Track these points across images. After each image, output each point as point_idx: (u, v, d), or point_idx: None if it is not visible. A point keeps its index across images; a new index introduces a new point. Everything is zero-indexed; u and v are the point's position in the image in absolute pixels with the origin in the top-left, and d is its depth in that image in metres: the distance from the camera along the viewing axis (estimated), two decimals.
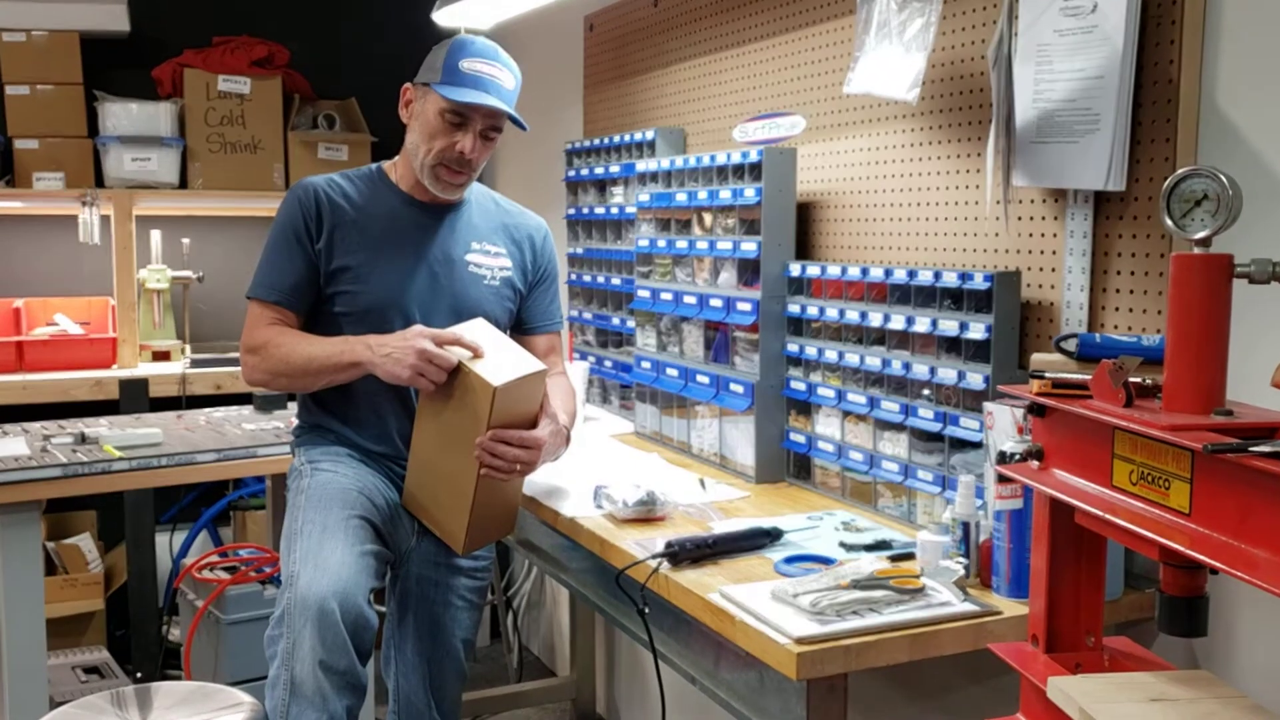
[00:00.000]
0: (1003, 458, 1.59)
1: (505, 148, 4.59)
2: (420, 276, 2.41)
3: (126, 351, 4.09)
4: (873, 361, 2.26)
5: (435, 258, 2.43)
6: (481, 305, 2.45)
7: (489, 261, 2.49)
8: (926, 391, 2.16)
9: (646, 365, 2.93)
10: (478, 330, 2.28)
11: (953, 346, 2.11)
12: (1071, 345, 1.63)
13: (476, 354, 2.19)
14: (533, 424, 2.25)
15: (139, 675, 3.94)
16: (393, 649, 2.53)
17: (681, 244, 2.81)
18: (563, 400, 2.43)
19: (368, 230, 2.40)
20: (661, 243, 2.90)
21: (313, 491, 2.29)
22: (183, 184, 4.29)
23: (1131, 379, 1.36)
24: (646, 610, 1.97)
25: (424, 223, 2.45)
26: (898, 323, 2.19)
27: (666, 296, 2.83)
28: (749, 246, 2.54)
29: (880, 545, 2.03)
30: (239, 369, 4.07)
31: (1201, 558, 1.19)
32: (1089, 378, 1.42)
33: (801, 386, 2.47)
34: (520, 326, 2.58)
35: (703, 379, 2.68)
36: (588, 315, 3.46)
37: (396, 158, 2.50)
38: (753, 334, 2.54)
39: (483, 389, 2.14)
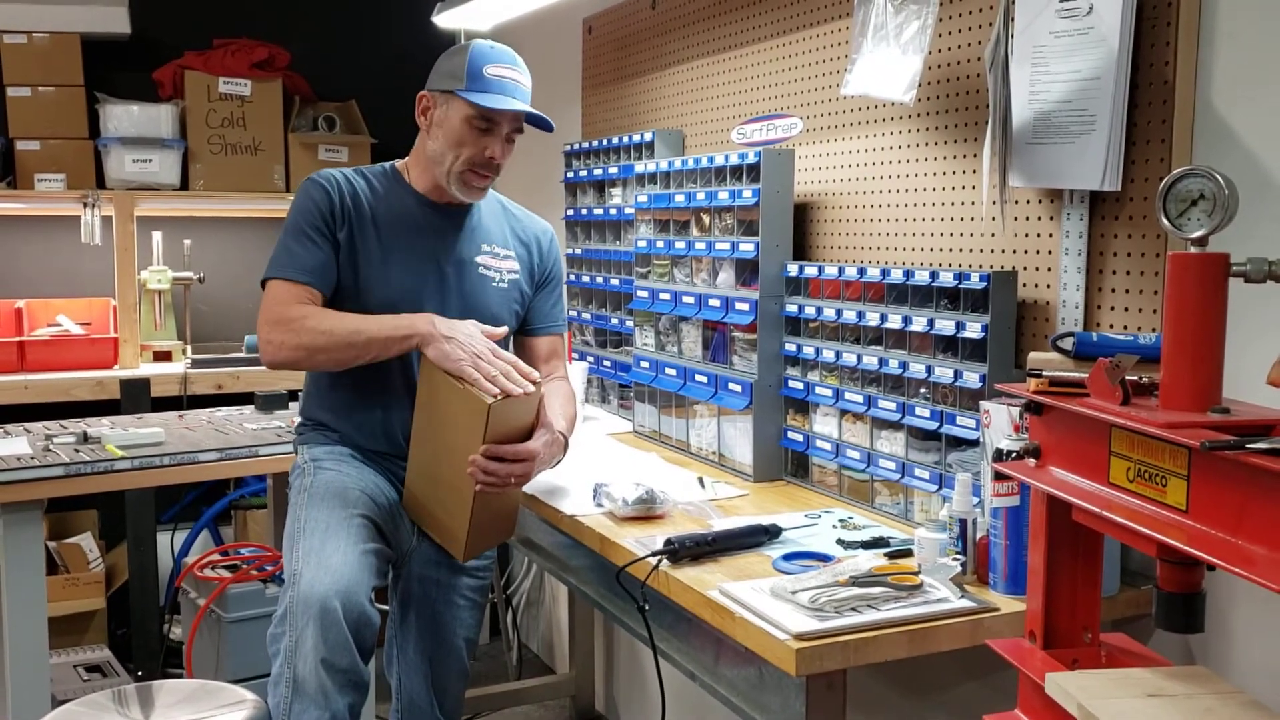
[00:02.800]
0: (1000, 455, 1.60)
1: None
2: (432, 277, 2.42)
3: (128, 352, 4.10)
4: (870, 361, 2.27)
5: (447, 259, 2.44)
6: (490, 307, 2.46)
7: (498, 264, 2.50)
8: (923, 390, 2.17)
9: (645, 365, 2.94)
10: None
11: (949, 346, 2.12)
12: (1068, 344, 1.63)
13: (533, 383, 2.20)
14: (528, 435, 2.25)
15: (140, 674, 3.95)
16: (395, 648, 2.53)
17: (680, 245, 2.82)
18: (562, 405, 2.43)
19: (383, 229, 2.41)
20: (660, 243, 2.91)
21: (315, 490, 2.30)
22: (184, 185, 4.30)
23: (1128, 377, 1.38)
24: (646, 607, 1.98)
25: (437, 224, 2.46)
26: (895, 322, 2.21)
27: (665, 297, 2.84)
28: (747, 247, 2.55)
29: (878, 542, 2.04)
30: (239, 369, 4.13)
31: (1199, 554, 1.20)
32: (1086, 376, 1.43)
33: (799, 385, 2.48)
34: (523, 328, 2.59)
35: (701, 378, 2.69)
36: (587, 315, 3.47)
37: (408, 158, 2.51)
38: (751, 334, 2.56)
39: (478, 405, 2.14)
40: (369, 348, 2.26)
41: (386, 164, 2.53)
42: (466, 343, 2.20)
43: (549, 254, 2.61)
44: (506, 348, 2.49)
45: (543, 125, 2.41)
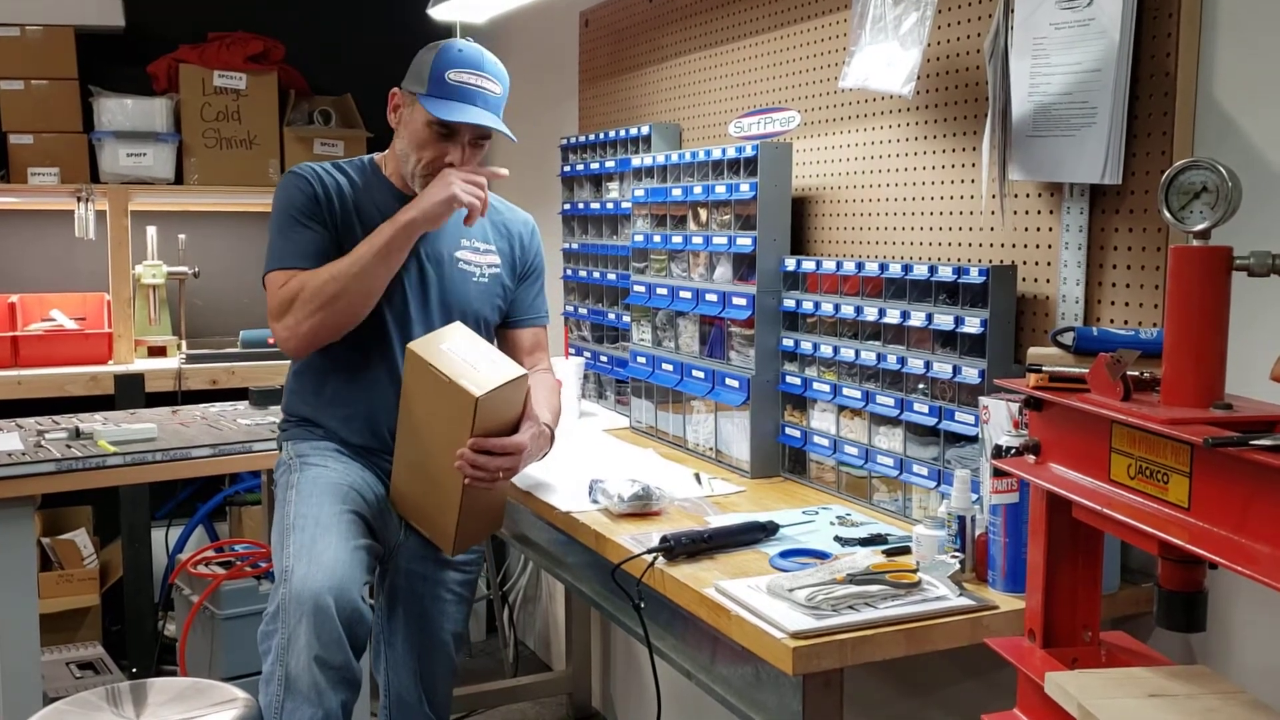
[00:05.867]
0: (999, 451, 1.58)
1: (500, 143, 4.57)
2: (411, 273, 2.40)
3: (122, 347, 4.09)
4: (868, 356, 2.25)
5: (426, 254, 2.43)
6: (471, 303, 2.45)
7: (478, 259, 2.49)
8: (922, 386, 2.15)
9: (642, 360, 2.92)
10: (457, 335, 2.26)
11: (948, 341, 2.10)
12: (1069, 339, 1.62)
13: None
14: (515, 428, 2.23)
15: (134, 671, 3.94)
16: (382, 644, 2.52)
17: (677, 239, 2.80)
18: (546, 397, 2.42)
19: (362, 223, 2.39)
20: (657, 238, 2.89)
21: (303, 486, 2.28)
22: (178, 179, 4.29)
23: (1129, 372, 1.36)
24: (642, 605, 1.96)
25: None
26: (893, 317, 2.19)
27: (662, 291, 2.83)
28: (744, 241, 2.54)
29: (876, 540, 2.03)
30: (234, 364, 4.12)
31: (1202, 553, 1.18)
32: (1086, 371, 1.42)
33: (797, 381, 2.46)
34: (505, 321, 2.57)
35: (698, 374, 2.68)
36: (583, 310, 3.45)
37: (386, 152, 2.49)
38: (748, 329, 2.54)
39: (464, 399, 2.12)
40: (375, 263, 2.25)
41: (364, 157, 2.51)
42: (442, 187, 2.27)
43: (530, 246, 2.60)
44: (491, 340, 2.49)
45: (506, 135, 2.40)
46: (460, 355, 2.19)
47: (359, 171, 2.46)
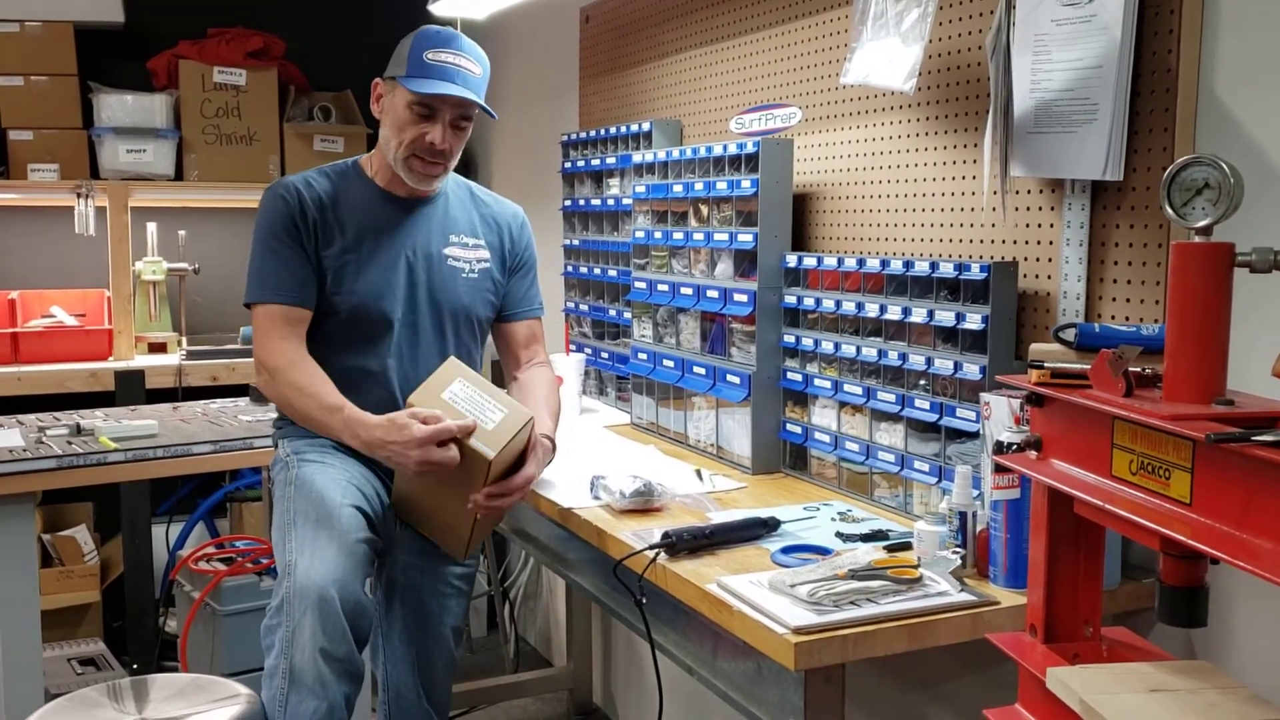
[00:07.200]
0: (1000, 448, 1.58)
1: (500, 139, 4.58)
2: (400, 274, 2.40)
3: (122, 343, 4.09)
4: (869, 352, 2.25)
5: (414, 253, 2.42)
6: (461, 299, 2.45)
7: (467, 254, 2.48)
8: (923, 382, 2.16)
9: (643, 357, 2.92)
10: (455, 379, 2.22)
11: (949, 337, 2.11)
12: (1070, 335, 1.62)
13: (468, 432, 2.13)
14: (523, 459, 2.24)
15: (135, 667, 3.93)
16: (380, 637, 2.52)
17: (678, 235, 2.80)
18: (546, 397, 2.42)
19: (346, 228, 2.39)
20: (658, 234, 2.89)
21: (302, 482, 2.29)
22: (178, 176, 4.29)
23: (1131, 368, 1.36)
24: (644, 601, 1.96)
25: (401, 217, 2.44)
26: (894, 313, 2.19)
27: (663, 288, 2.83)
28: (745, 238, 2.54)
29: (877, 535, 2.03)
30: (234, 360, 4.13)
31: (1203, 548, 1.18)
32: (1088, 367, 1.42)
33: (798, 377, 2.46)
34: (499, 314, 2.57)
35: (699, 370, 2.68)
36: (584, 307, 3.45)
37: (372, 151, 2.49)
38: (749, 325, 2.54)
39: (478, 460, 2.13)
40: (322, 435, 2.34)
41: (349, 160, 2.51)
42: (403, 457, 2.14)
43: (520, 238, 2.59)
44: (484, 336, 2.49)
45: (486, 112, 2.39)
46: (463, 404, 2.17)
47: (341, 175, 2.45)
